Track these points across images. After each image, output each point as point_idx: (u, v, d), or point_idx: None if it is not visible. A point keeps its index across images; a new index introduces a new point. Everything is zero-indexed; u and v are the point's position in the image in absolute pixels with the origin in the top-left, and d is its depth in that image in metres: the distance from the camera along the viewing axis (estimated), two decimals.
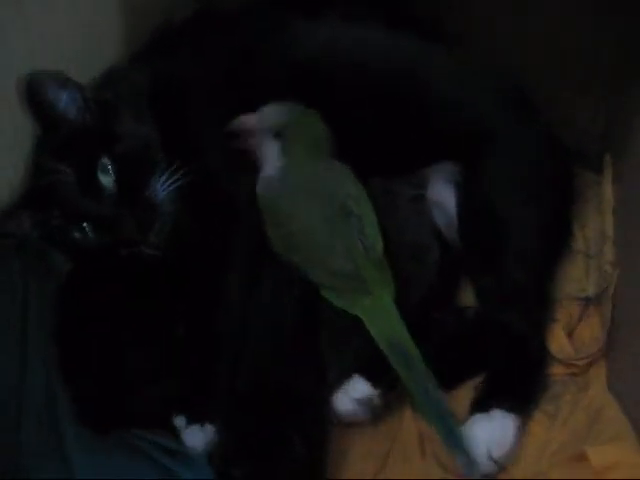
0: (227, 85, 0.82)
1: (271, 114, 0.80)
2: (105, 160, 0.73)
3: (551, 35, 0.88)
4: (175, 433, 0.72)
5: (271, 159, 0.79)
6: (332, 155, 0.81)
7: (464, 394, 0.76)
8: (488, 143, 0.83)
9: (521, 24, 0.89)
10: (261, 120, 0.80)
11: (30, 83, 0.72)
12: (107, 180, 0.73)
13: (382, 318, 0.73)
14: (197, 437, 0.72)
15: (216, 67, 0.83)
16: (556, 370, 0.78)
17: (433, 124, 0.83)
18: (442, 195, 0.85)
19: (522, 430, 0.73)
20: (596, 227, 0.87)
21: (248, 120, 0.80)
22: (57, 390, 0.73)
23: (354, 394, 0.73)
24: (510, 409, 0.73)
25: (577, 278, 0.84)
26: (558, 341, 0.79)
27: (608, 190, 0.89)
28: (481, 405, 0.74)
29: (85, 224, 0.73)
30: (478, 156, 0.82)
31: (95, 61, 0.82)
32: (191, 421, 0.72)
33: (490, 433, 0.72)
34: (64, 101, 0.73)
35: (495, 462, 0.71)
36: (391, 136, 0.83)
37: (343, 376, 0.74)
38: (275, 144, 0.79)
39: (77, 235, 0.73)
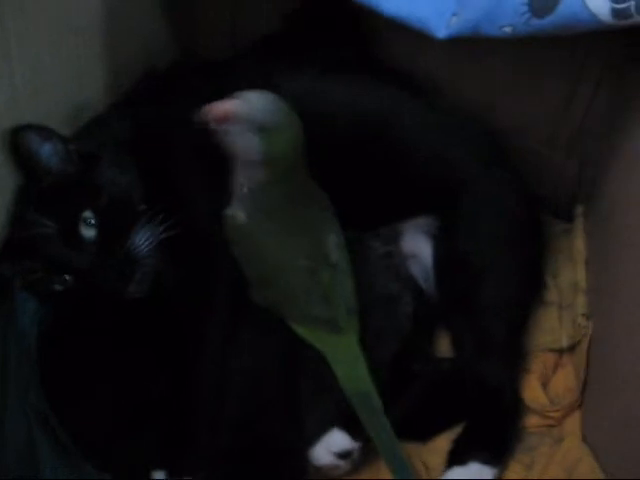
0: (209, 134, 0.83)
1: (256, 103, 0.69)
2: (88, 213, 0.73)
3: (520, 95, 0.90)
4: None
5: (248, 159, 0.71)
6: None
7: (442, 446, 0.77)
8: (460, 194, 0.84)
9: (494, 84, 0.91)
10: (244, 108, 0.69)
11: (14, 136, 0.72)
12: (89, 233, 0.73)
13: (348, 359, 0.73)
14: None
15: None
16: (532, 421, 0.79)
17: (406, 177, 0.84)
18: (417, 247, 0.86)
19: None
20: (568, 278, 0.89)
21: (227, 105, 0.68)
22: (37, 434, 0.72)
23: (333, 447, 0.73)
24: (486, 461, 0.74)
25: (550, 329, 0.85)
26: (533, 392, 0.81)
27: (580, 240, 0.91)
28: (458, 457, 0.75)
29: (66, 276, 0.73)
30: (451, 207, 0.84)
31: (78, 111, 0.82)
32: (170, 475, 0.71)
33: None
34: (47, 154, 0.73)
35: None
36: (364, 189, 0.83)
37: (322, 428, 0.74)
38: (255, 141, 0.69)
39: (58, 286, 0.73)
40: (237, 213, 0.74)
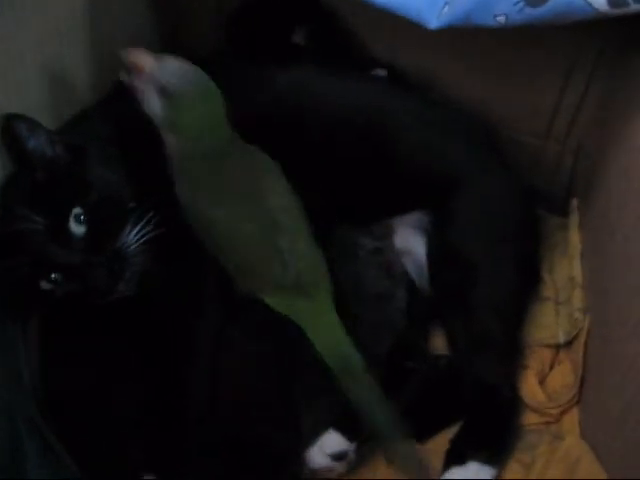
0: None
1: (167, 67, 0.69)
2: (78, 210, 0.71)
3: (518, 86, 0.89)
4: None
5: (154, 116, 0.71)
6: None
7: (439, 445, 0.75)
8: (455, 189, 0.83)
9: (488, 78, 0.89)
10: (156, 69, 0.69)
11: (4, 123, 0.71)
12: (79, 230, 0.71)
13: (324, 325, 0.71)
14: None
15: None
16: (530, 419, 0.78)
17: (400, 171, 0.83)
18: (411, 243, 0.85)
19: None
20: (564, 273, 0.88)
21: (143, 60, 0.69)
22: (23, 435, 0.71)
23: (328, 449, 0.72)
24: (485, 460, 0.73)
25: (547, 325, 0.84)
26: (530, 388, 0.80)
27: (575, 235, 0.90)
28: (456, 457, 0.73)
29: (54, 274, 0.71)
30: (445, 203, 0.82)
31: (62, 108, 0.80)
32: (162, 478, 0.70)
33: None
34: (34, 144, 0.72)
35: None
36: (357, 184, 0.82)
37: (317, 429, 0.73)
38: (158, 105, 0.69)
39: (45, 285, 0.72)
40: (181, 191, 0.73)
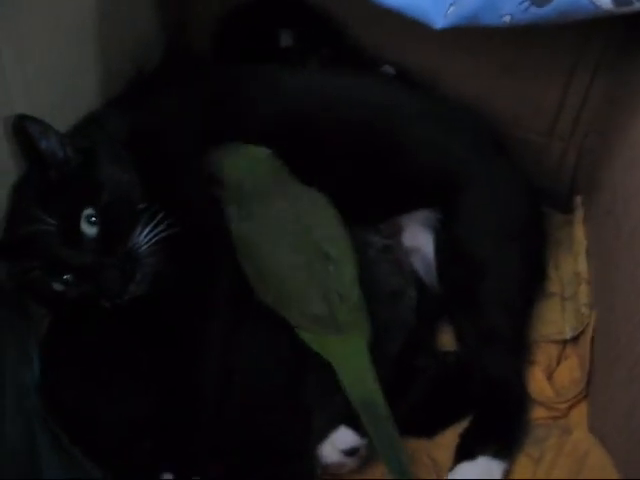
0: (204, 132, 0.82)
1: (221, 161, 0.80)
2: (90, 211, 0.71)
3: (522, 84, 0.90)
4: None
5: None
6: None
7: (449, 440, 0.76)
8: (462, 187, 0.84)
9: (492, 76, 0.90)
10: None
11: (17, 123, 0.71)
12: (90, 231, 0.71)
13: (354, 367, 0.72)
14: None
15: (192, 114, 0.83)
16: (538, 413, 0.79)
17: (407, 170, 0.84)
18: (419, 240, 0.85)
19: (508, 475, 0.73)
20: (570, 268, 0.89)
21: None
22: (38, 435, 0.71)
23: (340, 445, 0.72)
24: (495, 455, 0.73)
25: (554, 320, 0.85)
26: (538, 384, 0.80)
27: (580, 231, 0.91)
28: (466, 452, 0.74)
29: (66, 275, 0.71)
30: (452, 201, 0.83)
31: (71, 109, 0.80)
32: (179, 477, 0.70)
33: None
34: (46, 147, 0.72)
35: None
36: (366, 184, 0.83)
37: (329, 425, 0.73)
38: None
39: (57, 286, 0.72)
40: (230, 215, 0.77)
